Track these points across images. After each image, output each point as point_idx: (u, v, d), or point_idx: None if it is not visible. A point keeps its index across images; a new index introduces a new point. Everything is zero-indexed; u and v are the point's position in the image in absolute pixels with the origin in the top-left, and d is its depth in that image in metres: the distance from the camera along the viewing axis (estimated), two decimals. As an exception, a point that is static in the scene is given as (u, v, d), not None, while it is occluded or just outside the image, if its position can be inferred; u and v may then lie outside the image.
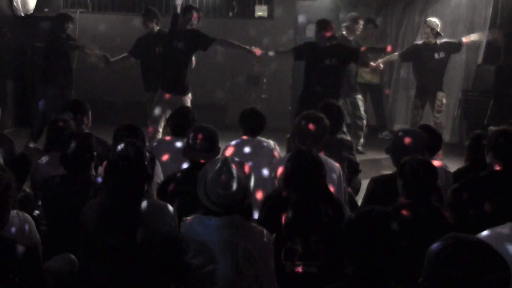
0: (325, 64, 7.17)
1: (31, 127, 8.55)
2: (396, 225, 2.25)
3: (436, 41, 8.50)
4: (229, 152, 5.07)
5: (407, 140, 4.27)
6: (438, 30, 8.46)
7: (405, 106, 10.35)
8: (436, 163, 4.41)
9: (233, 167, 3.01)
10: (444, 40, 8.62)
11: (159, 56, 7.79)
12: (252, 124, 5.23)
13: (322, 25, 7.31)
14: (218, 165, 3.01)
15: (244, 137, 5.24)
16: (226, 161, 3.03)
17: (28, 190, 4.72)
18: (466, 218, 3.78)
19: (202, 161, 3.87)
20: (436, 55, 8.56)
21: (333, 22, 7.85)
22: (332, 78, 7.20)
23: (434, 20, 8.58)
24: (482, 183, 3.86)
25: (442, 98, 8.59)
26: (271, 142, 5.31)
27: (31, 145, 8.13)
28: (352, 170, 5.35)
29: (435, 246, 2.05)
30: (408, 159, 3.61)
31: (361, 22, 9.00)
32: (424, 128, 4.83)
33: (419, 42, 8.87)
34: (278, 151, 5.31)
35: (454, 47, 8.62)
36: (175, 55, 7.39)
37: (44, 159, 4.60)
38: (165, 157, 4.98)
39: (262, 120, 5.27)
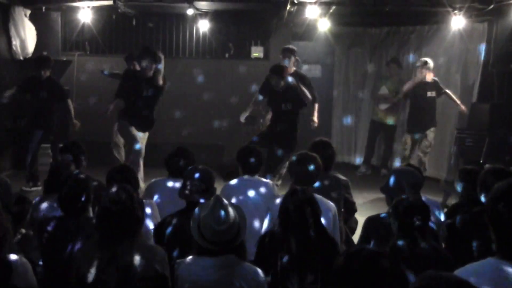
0: None
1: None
2: (387, 265, 2.26)
3: (428, 80, 9.16)
4: (226, 192, 5.09)
5: (400, 179, 4.30)
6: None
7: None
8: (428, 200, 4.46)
9: (227, 204, 3.07)
10: (435, 79, 9.26)
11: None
12: (250, 161, 5.26)
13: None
14: (212, 203, 3.07)
15: (242, 176, 5.26)
16: (219, 199, 3.09)
17: (24, 231, 4.72)
18: (461, 253, 3.80)
19: (198, 202, 3.90)
20: (428, 93, 9.17)
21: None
22: None
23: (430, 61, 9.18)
24: (475, 219, 3.88)
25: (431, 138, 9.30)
26: (270, 182, 5.33)
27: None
28: (348, 210, 5.37)
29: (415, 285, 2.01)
30: (400, 199, 3.62)
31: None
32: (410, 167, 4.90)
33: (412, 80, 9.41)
34: (276, 190, 5.32)
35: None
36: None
37: (44, 200, 4.61)
38: (161, 198, 5.00)
39: (259, 157, 5.30)
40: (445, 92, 9.27)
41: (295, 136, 7.80)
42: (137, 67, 8.20)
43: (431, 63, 9.17)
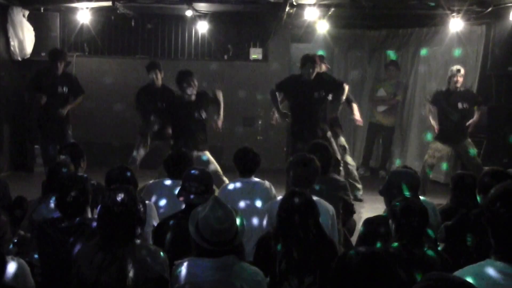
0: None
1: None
2: (384, 266, 2.26)
3: (460, 89, 8.20)
4: (224, 193, 5.09)
5: (398, 181, 4.30)
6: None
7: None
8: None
9: (225, 204, 3.08)
10: (468, 88, 8.58)
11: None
12: (247, 162, 5.27)
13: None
14: (210, 203, 3.07)
15: (240, 178, 5.27)
16: (217, 199, 3.10)
17: (22, 233, 4.72)
18: (460, 255, 3.81)
19: (197, 203, 3.89)
20: (459, 105, 8.15)
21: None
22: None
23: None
24: (474, 220, 3.89)
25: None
26: (267, 183, 5.33)
27: None
28: (346, 211, 5.36)
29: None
30: (399, 200, 3.63)
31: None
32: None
33: (443, 88, 8.45)
34: (274, 192, 5.33)
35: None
36: None
37: (42, 201, 4.61)
38: (160, 199, 4.99)
39: (256, 158, 5.32)
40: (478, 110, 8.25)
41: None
42: (159, 77, 8.04)
43: (462, 69, 8.19)
